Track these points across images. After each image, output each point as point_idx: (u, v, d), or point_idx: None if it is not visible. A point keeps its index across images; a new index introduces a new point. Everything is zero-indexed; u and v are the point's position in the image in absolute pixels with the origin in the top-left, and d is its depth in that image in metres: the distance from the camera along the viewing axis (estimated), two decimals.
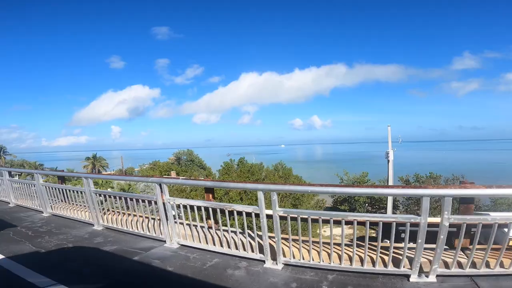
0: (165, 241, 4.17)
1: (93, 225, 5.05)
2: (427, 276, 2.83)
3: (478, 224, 2.61)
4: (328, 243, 3.16)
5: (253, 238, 3.59)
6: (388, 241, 2.94)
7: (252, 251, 3.55)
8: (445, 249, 2.87)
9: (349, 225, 3.11)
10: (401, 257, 2.91)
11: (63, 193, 5.56)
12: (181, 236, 4.09)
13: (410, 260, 2.91)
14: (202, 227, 3.91)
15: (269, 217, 3.32)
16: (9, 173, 7.12)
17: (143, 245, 4.15)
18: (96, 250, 4.05)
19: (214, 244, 3.80)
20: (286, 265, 3.32)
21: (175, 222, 4.09)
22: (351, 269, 3.06)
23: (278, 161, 30.65)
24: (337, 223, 3.09)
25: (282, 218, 3.31)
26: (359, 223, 3.00)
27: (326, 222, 3.18)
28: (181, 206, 3.96)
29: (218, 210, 3.66)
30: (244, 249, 3.61)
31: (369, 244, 3.05)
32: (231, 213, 3.61)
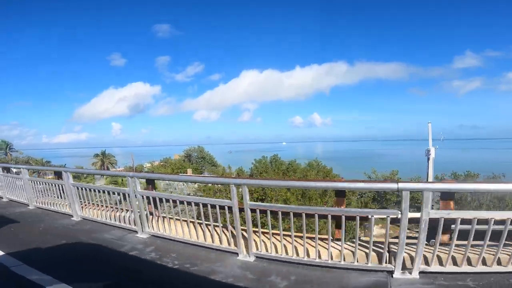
0: (137, 232, 4.24)
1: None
2: (410, 273, 2.70)
3: (456, 219, 2.51)
4: (311, 238, 3.13)
5: (229, 231, 3.63)
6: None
7: (228, 244, 3.54)
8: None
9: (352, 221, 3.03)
10: (386, 253, 2.80)
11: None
12: (154, 227, 4.16)
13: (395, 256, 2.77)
14: (177, 219, 3.90)
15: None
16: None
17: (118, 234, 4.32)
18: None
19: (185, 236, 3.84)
20: (258, 257, 3.29)
21: (151, 214, 4.21)
22: (327, 263, 2.97)
23: (313, 158, 26.99)
24: (324, 217, 2.99)
25: (253, 211, 3.26)
26: (347, 218, 2.93)
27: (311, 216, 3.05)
28: (157, 199, 3.97)
29: (193, 204, 3.70)
30: (220, 242, 3.58)
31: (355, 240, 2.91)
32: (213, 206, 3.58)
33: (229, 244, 3.53)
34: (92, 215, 5.00)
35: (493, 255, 2.58)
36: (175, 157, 50.29)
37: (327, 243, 2.99)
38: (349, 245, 3.11)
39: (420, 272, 2.69)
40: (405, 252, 2.74)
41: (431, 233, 2.63)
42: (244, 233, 3.37)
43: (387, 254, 2.81)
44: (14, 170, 7.22)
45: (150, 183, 4.35)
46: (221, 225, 3.58)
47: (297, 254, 3.15)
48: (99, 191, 4.80)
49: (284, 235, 3.33)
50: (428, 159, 19.57)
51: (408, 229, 2.71)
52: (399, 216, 2.64)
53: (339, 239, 3.00)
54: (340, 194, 3.34)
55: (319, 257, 3.03)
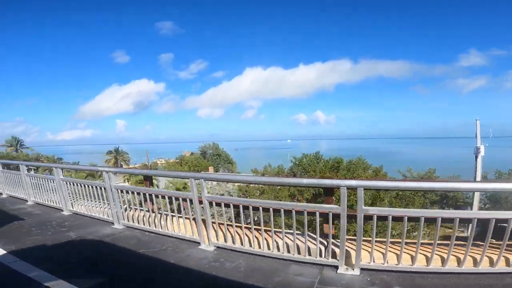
0: (113, 223, 4.48)
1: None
2: (352, 269, 2.74)
3: (388, 216, 2.52)
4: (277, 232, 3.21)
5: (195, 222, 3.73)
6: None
7: (186, 231, 3.75)
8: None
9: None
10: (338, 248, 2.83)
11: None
12: (128, 218, 4.34)
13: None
14: (147, 211, 4.11)
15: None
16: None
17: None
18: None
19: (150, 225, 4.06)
20: (219, 247, 3.44)
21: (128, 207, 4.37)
22: (278, 255, 3.06)
23: (357, 156, 24.31)
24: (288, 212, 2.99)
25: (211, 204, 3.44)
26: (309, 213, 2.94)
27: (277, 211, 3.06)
28: (129, 192, 4.23)
29: (160, 196, 3.90)
30: (179, 229, 3.80)
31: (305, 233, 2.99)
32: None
33: (192, 234, 3.68)
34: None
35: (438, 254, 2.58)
36: (185, 154, 50.51)
37: (291, 236, 3.08)
38: (310, 240, 3.11)
39: (362, 269, 2.71)
40: (363, 249, 2.74)
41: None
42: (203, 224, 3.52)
43: (334, 250, 2.86)
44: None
45: (148, 179, 4.46)
46: (185, 216, 3.75)
47: (259, 247, 3.22)
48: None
49: (248, 228, 3.39)
50: (476, 157, 18.90)
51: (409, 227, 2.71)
52: (339, 211, 2.67)
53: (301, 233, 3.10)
54: (327, 192, 3.14)
55: (269, 248, 3.13)
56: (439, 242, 2.57)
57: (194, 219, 3.70)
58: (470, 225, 2.50)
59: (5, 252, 3.50)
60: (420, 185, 2.82)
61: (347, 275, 2.67)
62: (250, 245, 3.26)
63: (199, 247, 3.52)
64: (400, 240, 2.62)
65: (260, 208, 3.13)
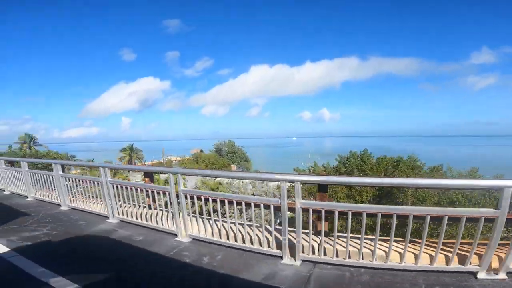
0: (108, 217, 4.81)
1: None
2: (295, 260, 2.98)
3: (321, 210, 2.74)
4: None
5: (168, 213, 4.11)
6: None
7: (168, 224, 4.06)
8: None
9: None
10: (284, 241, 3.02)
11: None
12: (123, 213, 4.70)
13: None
14: (139, 205, 4.45)
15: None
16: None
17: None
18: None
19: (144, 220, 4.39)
20: (195, 239, 3.75)
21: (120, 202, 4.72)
22: (244, 247, 3.31)
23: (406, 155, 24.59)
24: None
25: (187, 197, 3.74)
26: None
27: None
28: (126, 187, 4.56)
29: (144, 190, 4.29)
30: (162, 222, 4.14)
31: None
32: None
33: (168, 226, 4.03)
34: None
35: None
36: (194, 152, 50.21)
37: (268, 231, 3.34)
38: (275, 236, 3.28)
39: (303, 260, 2.97)
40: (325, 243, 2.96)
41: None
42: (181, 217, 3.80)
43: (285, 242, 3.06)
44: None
45: (148, 176, 4.60)
46: (165, 209, 4.11)
47: (235, 240, 3.45)
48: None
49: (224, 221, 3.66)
50: None
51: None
52: (281, 203, 2.90)
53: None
54: (322, 189, 3.30)
55: (236, 240, 3.42)
56: (380, 238, 2.75)
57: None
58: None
59: (8, 249, 3.58)
60: (379, 181, 2.95)
61: (288, 264, 2.96)
62: (220, 237, 3.54)
63: (176, 238, 3.82)
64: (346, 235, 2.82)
65: (234, 202, 3.39)
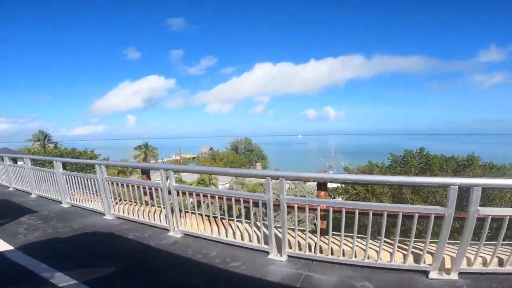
0: (104, 214, 4.94)
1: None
2: (281, 255, 3.02)
3: (294, 205, 2.74)
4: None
5: (158, 208, 4.21)
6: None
7: (160, 220, 4.15)
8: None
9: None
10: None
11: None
12: (118, 210, 4.82)
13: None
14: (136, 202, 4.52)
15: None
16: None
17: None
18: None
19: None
20: (186, 234, 3.80)
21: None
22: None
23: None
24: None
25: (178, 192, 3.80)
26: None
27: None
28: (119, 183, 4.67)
29: (135, 186, 4.36)
30: (154, 218, 4.24)
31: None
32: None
33: (160, 221, 4.10)
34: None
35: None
36: (203, 150, 50.39)
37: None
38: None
39: (289, 256, 3.02)
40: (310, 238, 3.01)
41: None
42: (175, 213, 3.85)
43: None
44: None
45: (145, 173, 4.80)
46: (157, 205, 4.18)
47: (226, 235, 3.48)
48: None
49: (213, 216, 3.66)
50: None
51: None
52: (265, 200, 2.93)
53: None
54: (321, 187, 3.26)
55: (226, 235, 3.48)
56: (358, 235, 2.74)
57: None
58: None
59: (12, 247, 3.62)
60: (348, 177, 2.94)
61: (274, 260, 2.99)
62: (211, 232, 3.57)
63: (168, 233, 3.89)
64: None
65: (224, 198, 3.39)
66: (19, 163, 7.66)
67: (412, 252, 2.58)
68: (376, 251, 2.64)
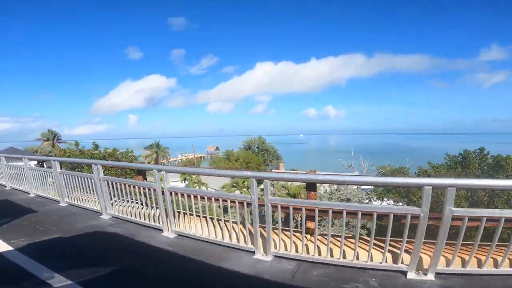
0: (101, 213, 5.03)
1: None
2: (266, 254, 3.09)
3: (289, 207, 2.80)
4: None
5: (152, 208, 4.26)
6: None
7: (155, 221, 4.23)
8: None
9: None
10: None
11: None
12: (114, 209, 4.91)
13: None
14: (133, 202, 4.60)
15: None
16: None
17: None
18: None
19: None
20: (180, 235, 3.90)
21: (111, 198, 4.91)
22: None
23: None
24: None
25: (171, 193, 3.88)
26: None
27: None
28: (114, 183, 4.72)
29: (127, 185, 4.46)
30: (149, 219, 4.31)
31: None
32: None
33: (154, 222, 4.20)
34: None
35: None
36: (209, 149, 50.64)
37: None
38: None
39: (275, 256, 3.08)
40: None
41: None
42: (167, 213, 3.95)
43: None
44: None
45: (141, 173, 4.82)
46: (151, 206, 4.26)
47: (216, 236, 3.55)
48: None
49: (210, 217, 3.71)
50: None
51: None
52: (249, 200, 2.99)
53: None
54: (310, 187, 3.31)
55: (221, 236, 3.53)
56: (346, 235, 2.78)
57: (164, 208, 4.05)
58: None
59: (10, 248, 3.66)
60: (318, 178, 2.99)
61: (259, 259, 3.05)
62: (202, 233, 3.65)
63: (162, 234, 3.99)
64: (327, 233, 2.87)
65: (213, 199, 3.45)
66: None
67: (393, 252, 2.62)
68: (357, 251, 2.68)
